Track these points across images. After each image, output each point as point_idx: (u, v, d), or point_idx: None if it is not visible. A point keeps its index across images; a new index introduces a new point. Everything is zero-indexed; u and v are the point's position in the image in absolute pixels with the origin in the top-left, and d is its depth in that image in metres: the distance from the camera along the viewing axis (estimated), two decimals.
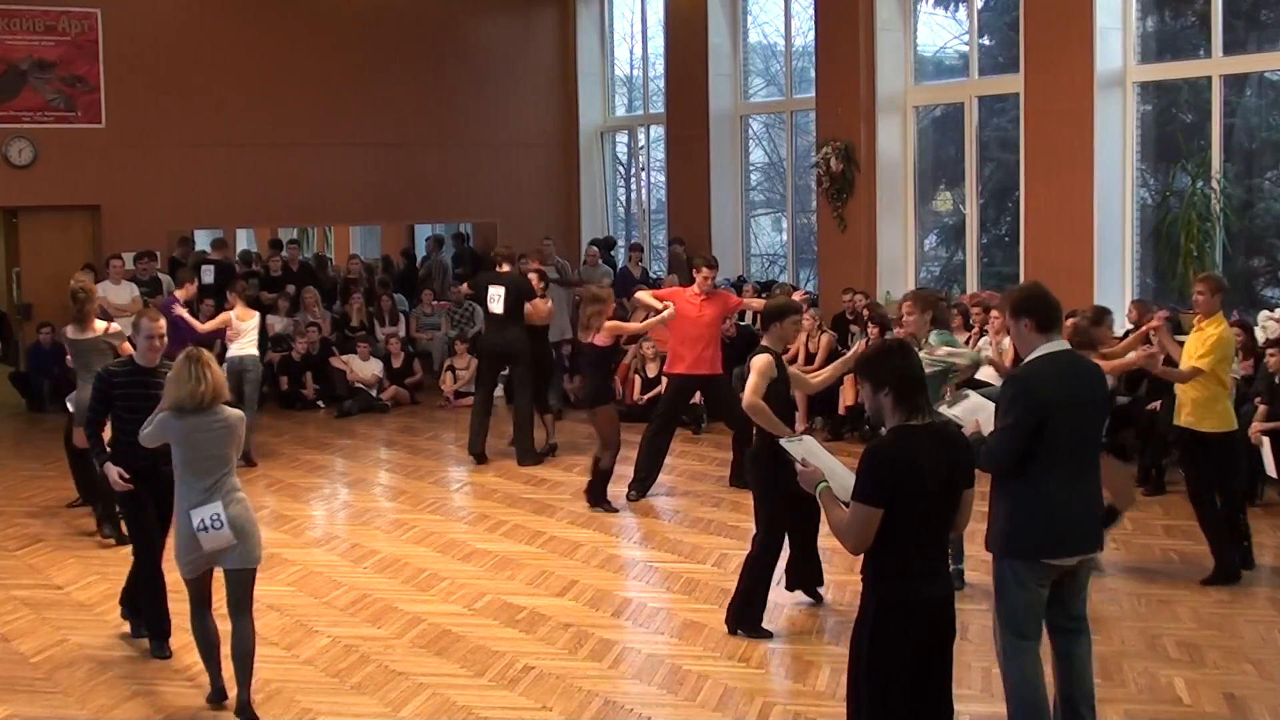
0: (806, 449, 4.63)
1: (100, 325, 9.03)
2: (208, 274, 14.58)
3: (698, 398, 11.48)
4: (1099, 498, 5.23)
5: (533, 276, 12.00)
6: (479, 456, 11.55)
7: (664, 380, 11.62)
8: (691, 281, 10.57)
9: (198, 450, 5.89)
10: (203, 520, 5.84)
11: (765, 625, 6.98)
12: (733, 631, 6.97)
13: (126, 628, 7.19)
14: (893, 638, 4.25)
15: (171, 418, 5.93)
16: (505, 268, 11.67)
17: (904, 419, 4.29)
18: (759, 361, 7.03)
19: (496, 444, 12.22)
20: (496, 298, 11.48)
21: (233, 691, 6.04)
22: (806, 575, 7.50)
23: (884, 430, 4.39)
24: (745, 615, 6.98)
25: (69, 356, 9.28)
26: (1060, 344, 5.16)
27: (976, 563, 8.21)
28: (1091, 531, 5.15)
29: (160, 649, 6.80)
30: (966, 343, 11.87)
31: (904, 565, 4.26)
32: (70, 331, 8.98)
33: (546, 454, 11.74)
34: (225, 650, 6.10)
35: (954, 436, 4.55)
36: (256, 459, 11.57)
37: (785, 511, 7.06)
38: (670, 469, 10.79)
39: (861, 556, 4.35)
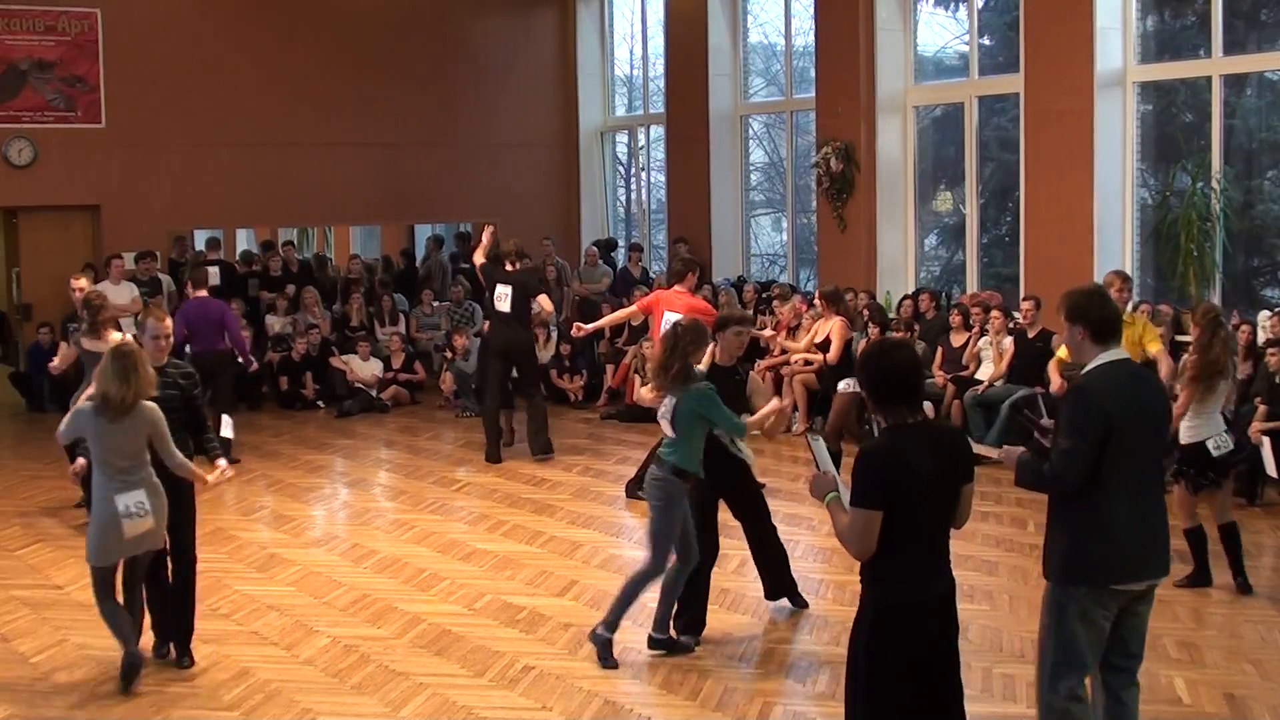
0: (817, 452, 4.58)
1: (115, 337, 9.08)
2: (214, 277, 14.58)
3: None
4: (1164, 517, 4.81)
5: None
6: (497, 460, 11.56)
7: None
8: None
9: (115, 445, 6.12)
10: (127, 506, 6.09)
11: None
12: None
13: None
14: (891, 640, 4.21)
15: (89, 412, 6.11)
16: (510, 266, 11.70)
17: (895, 419, 4.26)
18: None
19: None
20: (504, 296, 11.49)
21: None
22: (780, 582, 7.31)
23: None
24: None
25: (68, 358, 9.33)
26: (1119, 353, 4.76)
27: (978, 563, 8.23)
28: (1159, 554, 4.75)
29: (161, 649, 6.84)
30: (966, 343, 11.89)
31: (902, 567, 4.22)
32: (85, 342, 9.00)
33: (505, 444, 11.99)
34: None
35: (950, 433, 4.53)
36: (238, 456, 11.57)
37: (702, 527, 6.81)
38: None
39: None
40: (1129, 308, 9.57)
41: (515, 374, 11.86)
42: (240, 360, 12.22)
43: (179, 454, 6.31)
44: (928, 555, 4.27)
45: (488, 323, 12.11)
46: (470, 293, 15.97)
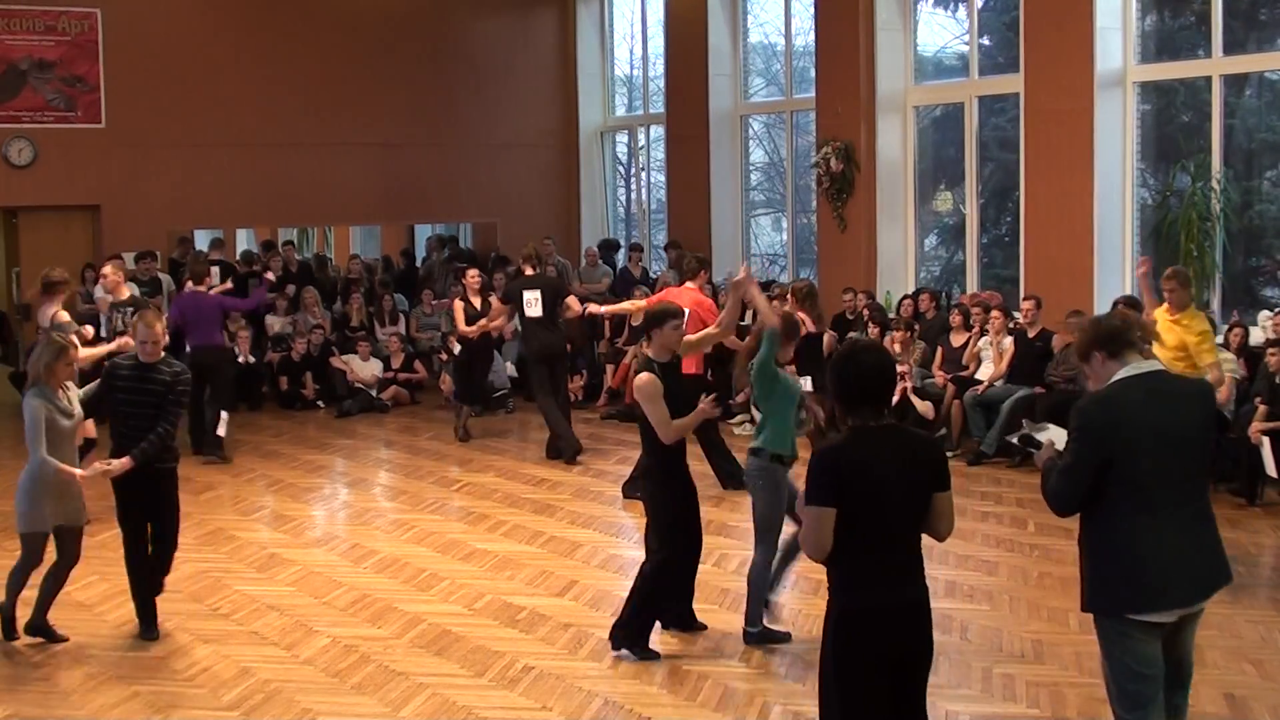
0: None
1: (64, 316, 9.45)
2: (214, 276, 14.60)
3: None
4: (1198, 540, 4.44)
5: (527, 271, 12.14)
6: (575, 452, 11.52)
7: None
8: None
9: None
10: None
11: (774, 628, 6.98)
12: (616, 649, 6.69)
13: (127, 627, 7.21)
14: (855, 646, 4.15)
15: None
16: (530, 270, 11.82)
17: (859, 421, 4.21)
18: (643, 384, 6.52)
19: (489, 442, 12.29)
20: (534, 301, 11.59)
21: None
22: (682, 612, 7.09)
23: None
24: (632, 633, 6.67)
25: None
26: (1146, 365, 4.47)
27: (978, 563, 8.23)
28: (1188, 581, 4.39)
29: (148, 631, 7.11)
30: (966, 343, 11.89)
31: (863, 571, 4.15)
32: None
33: (464, 439, 12.35)
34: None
35: (918, 438, 4.40)
36: (229, 455, 11.71)
37: (680, 526, 6.76)
38: None
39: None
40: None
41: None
42: (244, 307, 12.72)
43: (41, 451, 6.69)
44: (890, 561, 4.17)
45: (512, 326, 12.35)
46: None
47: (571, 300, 11.98)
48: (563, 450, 11.50)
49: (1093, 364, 4.55)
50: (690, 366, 10.12)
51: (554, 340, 11.74)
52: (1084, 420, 4.40)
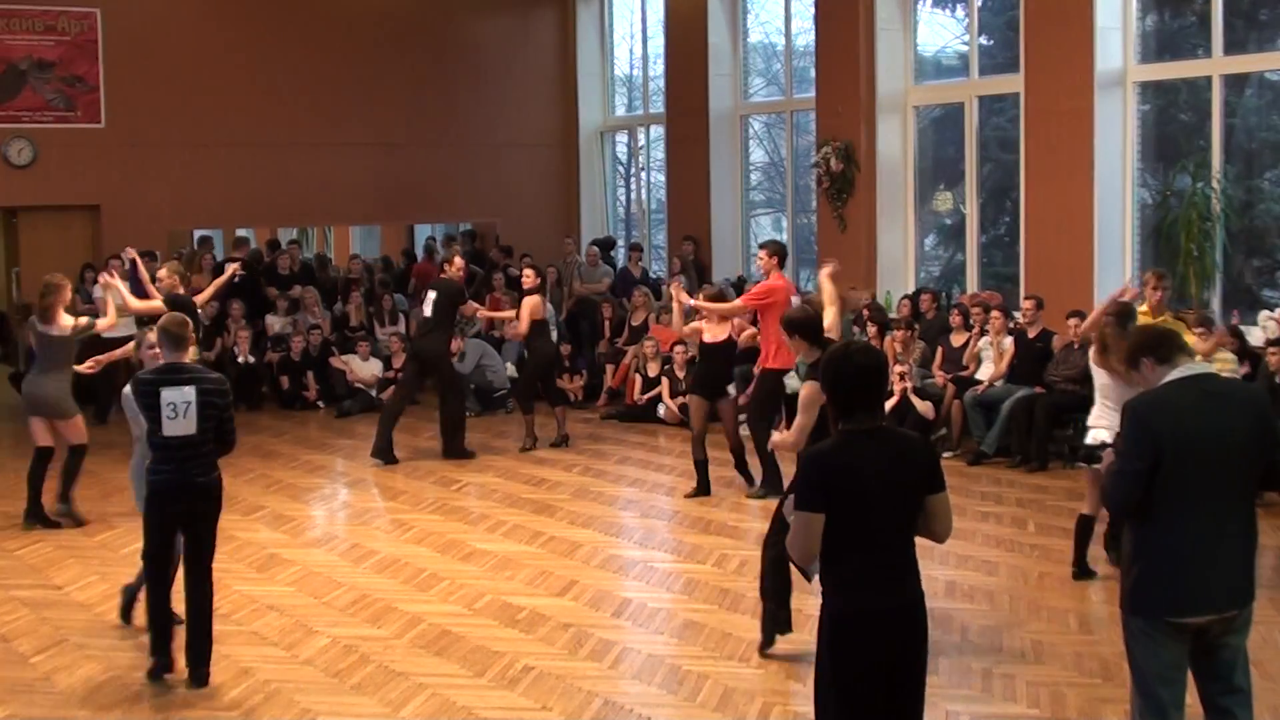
0: None
1: (67, 321, 9.32)
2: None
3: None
4: (1239, 547, 4.43)
5: (529, 274, 12.12)
6: (386, 457, 11.49)
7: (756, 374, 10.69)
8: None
9: None
10: None
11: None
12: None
13: (127, 627, 7.21)
14: (848, 649, 4.12)
15: None
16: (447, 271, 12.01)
17: (850, 424, 4.19)
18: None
19: (490, 442, 12.29)
20: (429, 301, 11.81)
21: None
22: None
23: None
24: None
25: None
26: (1196, 367, 4.48)
27: (978, 563, 8.22)
28: (1222, 586, 4.36)
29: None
30: (966, 343, 11.89)
31: (854, 574, 4.13)
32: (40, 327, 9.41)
33: (561, 443, 12.08)
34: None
35: (909, 440, 4.37)
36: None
37: None
38: (671, 469, 10.80)
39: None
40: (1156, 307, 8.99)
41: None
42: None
43: None
44: (882, 564, 4.14)
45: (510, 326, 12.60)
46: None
47: (467, 307, 12.05)
48: (377, 447, 11.59)
49: (1142, 370, 4.54)
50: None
51: (431, 344, 11.76)
52: (1135, 419, 4.38)
